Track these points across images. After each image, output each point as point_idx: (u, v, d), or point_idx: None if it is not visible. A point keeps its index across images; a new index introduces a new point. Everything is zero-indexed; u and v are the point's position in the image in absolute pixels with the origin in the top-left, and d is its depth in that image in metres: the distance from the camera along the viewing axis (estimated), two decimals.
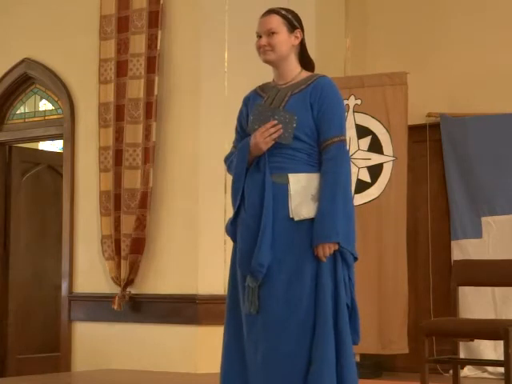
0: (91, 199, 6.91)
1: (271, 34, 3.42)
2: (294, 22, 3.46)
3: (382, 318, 6.25)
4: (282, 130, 3.34)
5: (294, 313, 3.27)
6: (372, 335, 6.17)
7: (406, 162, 6.38)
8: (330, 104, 3.39)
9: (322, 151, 3.37)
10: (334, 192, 3.29)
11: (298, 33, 3.47)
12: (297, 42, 3.47)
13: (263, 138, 3.35)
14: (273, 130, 3.34)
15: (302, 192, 3.33)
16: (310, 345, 3.25)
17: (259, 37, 3.46)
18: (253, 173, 3.40)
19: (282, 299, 3.28)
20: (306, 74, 3.50)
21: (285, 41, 3.43)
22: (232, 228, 3.47)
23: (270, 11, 3.47)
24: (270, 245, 3.30)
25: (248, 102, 3.55)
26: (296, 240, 3.32)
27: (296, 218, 3.32)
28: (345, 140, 3.39)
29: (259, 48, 3.46)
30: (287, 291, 3.29)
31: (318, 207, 3.31)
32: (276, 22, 3.43)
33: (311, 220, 3.32)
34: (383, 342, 6.25)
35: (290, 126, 3.33)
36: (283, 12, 3.47)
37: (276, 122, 3.34)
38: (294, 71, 3.49)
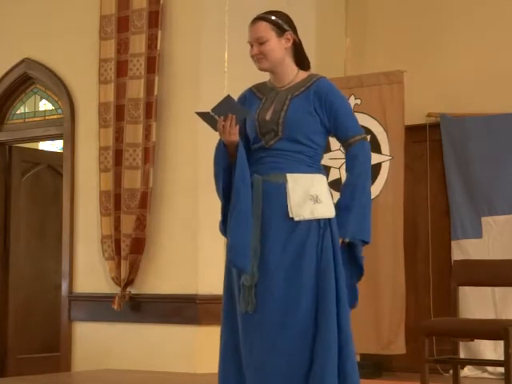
0: (91, 199, 6.91)
1: (261, 42, 3.38)
2: (282, 25, 3.40)
3: (380, 318, 6.25)
4: (233, 116, 3.29)
5: (291, 313, 3.25)
6: (371, 335, 6.17)
7: (403, 161, 6.37)
8: (340, 106, 3.39)
9: (346, 150, 3.40)
10: (366, 188, 3.39)
11: (288, 35, 3.41)
12: (289, 44, 3.42)
13: (227, 134, 3.32)
14: (227, 122, 3.30)
15: (301, 192, 3.32)
16: (310, 345, 3.24)
17: (251, 46, 3.43)
18: None
19: (279, 299, 3.27)
20: (303, 74, 3.47)
21: (276, 46, 3.39)
22: (224, 227, 3.47)
23: (257, 19, 3.43)
24: (260, 240, 3.30)
25: (244, 100, 3.51)
26: (294, 239, 3.31)
27: (296, 218, 3.31)
28: (366, 138, 3.44)
29: (252, 57, 3.44)
30: (284, 291, 3.27)
31: (353, 201, 3.36)
32: (263, 29, 3.38)
33: (310, 220, 3.31)
34: (382, 342, 6.25)
35: (234, 107, 3.31)
36: (269, 17, 3.41)
37: (222, 118, 3.30)
38: (292, 73, 3.45)
